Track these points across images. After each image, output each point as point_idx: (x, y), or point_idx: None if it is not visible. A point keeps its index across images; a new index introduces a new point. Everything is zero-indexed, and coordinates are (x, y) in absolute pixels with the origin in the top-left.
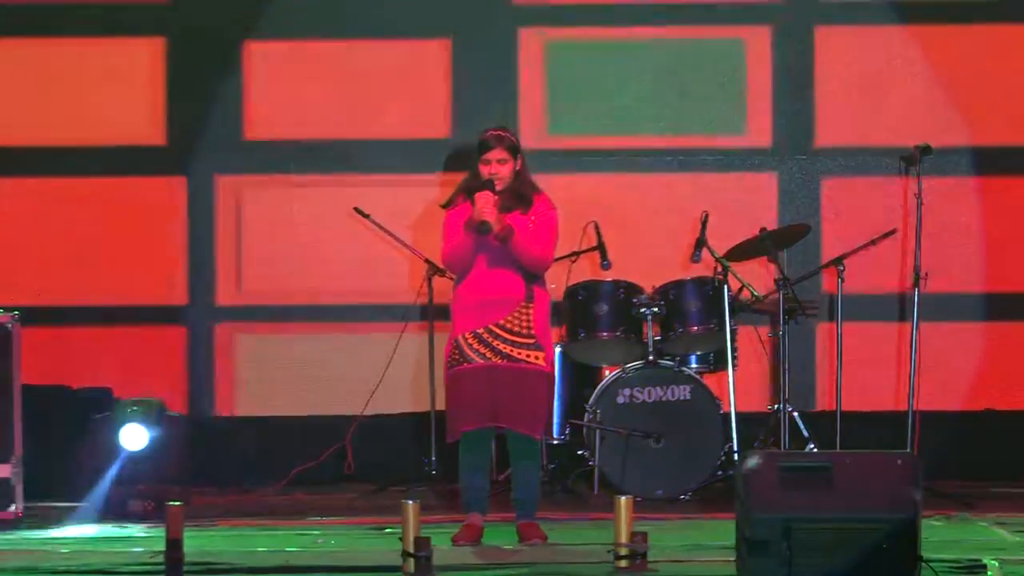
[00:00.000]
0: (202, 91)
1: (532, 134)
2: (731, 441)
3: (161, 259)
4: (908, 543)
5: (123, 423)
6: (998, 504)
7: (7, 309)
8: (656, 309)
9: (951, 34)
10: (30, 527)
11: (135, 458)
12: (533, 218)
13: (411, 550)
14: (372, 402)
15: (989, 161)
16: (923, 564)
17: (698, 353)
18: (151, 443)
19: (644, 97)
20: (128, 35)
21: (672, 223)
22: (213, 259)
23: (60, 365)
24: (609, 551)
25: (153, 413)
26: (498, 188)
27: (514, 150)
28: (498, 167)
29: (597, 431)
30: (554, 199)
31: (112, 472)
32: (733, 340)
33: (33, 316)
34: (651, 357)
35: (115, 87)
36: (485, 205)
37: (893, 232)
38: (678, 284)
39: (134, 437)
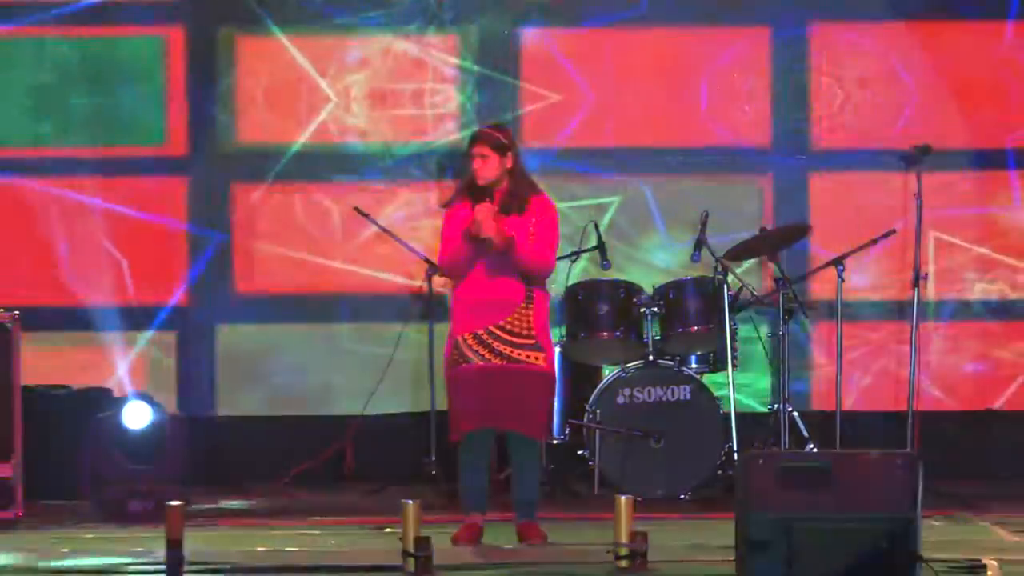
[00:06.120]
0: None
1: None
2: (731, 441)
3: (161, 259)
4: (908, 543)
5: (124, 405)
6: (998, 504)
7: (7, 309)
8: (656, 309)
9: (952, 31)
10: (30, 527)
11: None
12: (533, 220)
13: (411, 550)
14: (372, 402)
15: (988, 161)
16: (923, 564)
17: (698, 353)
18: (152, 432)
19: (642, 97)
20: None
21: (672, 223)
22: (212, 259)
23: (60, 365)
24: (609, 551)
25: (154, 406)
26: (480, 184)
27: (500, 148)
28: (480, 163)
29: (597, 431)
30: (554, 199)
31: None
32: (733, 340)
33: (33, 316)
34: (651, 357)
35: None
36: (485, 219)
37: (892, 232)
38: (678, 284)
39: (137, 415)
